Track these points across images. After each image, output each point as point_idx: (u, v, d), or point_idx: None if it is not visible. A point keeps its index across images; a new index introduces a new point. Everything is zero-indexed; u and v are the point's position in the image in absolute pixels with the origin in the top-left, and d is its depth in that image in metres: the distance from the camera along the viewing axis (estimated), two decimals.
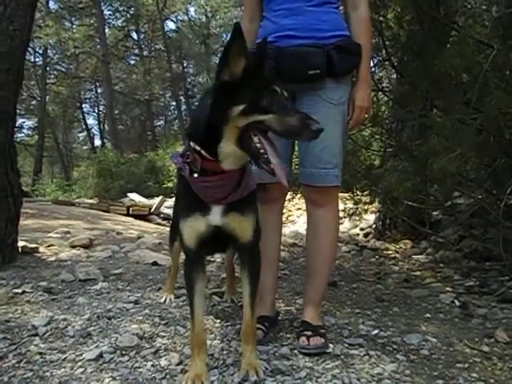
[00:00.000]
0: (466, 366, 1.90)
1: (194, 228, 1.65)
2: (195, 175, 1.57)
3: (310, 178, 2.07)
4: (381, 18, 3.38)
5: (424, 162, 2.86)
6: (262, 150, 1.50)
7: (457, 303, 2.81)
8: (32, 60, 24.42)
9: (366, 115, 2.09)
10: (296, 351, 1.96)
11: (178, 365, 1.80)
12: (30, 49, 21.85)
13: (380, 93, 3.96)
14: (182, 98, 28.33)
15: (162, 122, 32.51)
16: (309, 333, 1.97)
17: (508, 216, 3.19)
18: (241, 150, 1.53)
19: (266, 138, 1.52)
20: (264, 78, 1.56)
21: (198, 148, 1.55)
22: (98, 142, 30.14)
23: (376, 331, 2.26)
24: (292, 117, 1.46)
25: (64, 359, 1.83)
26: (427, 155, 2.75)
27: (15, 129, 3.54)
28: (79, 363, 1.80)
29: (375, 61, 3.87)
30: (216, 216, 1.64)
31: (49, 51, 25.60)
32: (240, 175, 1.63)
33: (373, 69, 3.94)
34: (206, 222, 1.64)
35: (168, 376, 1.72)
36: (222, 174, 1.57)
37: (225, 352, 1.93)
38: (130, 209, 9.64)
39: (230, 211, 1.64)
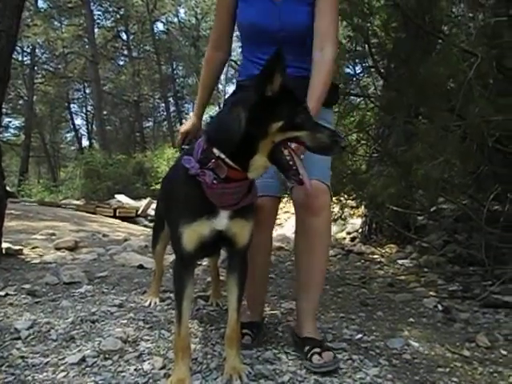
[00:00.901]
0: (447, 370, 1.92)
1: (197, 232, 1.65)
2: (214, 181, 1.59)
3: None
4: (368, 25, 3.41)
5: (408, 168, 2.90)
6: (291, 163, 1.57)
7: (440, 308, 2.85)
8: (20, 59, 24.16)
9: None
10: (280, 355, 1.97)
11: (161, 369, 1.80)
12: (17, 48, 21.60)
13: (366, 99, 4.00)
14: (171, 99, 28.26)
15: (150, 123, 32.37)
16: (318, 349, 1.89)
17: (491, 222, 3.25)
18: (271, 163, 1.58)
19: (294, 151, 1.59)
20: (295, 95, 1.59)
21: (222, 156, 1.57)
22: (85, 143, 29.96)
23: (359, 335, 2.28)
24: (323, 134, 1.55)
25: (46, 363, 1.82)
26: (411, 161, 2.79)
27: (1, 128, 3.52)
28: (61, 367, 1.79)
29: (361, 67, 3.91)
30: (222, 221, 1.66)
31: (37, 50, 25.39)
32: (250, 182, 1.67)
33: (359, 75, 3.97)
34: (211, 227, 1.65)
35: (151, 380, 1.71)
36: (241, 181, 1.60)
37: (208, 356, 1.93)
38: (117, 211, 9.61)
39: (234, 216, 1.67)
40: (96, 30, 24.10)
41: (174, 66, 29.07)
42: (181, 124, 28.06)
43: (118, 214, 9.50)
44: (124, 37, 27.01)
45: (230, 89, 20.02)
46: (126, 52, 27.41)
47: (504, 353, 2.14)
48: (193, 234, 1.65)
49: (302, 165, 1.59)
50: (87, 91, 29.19)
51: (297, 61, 1.99)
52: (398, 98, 3.15)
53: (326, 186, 1.98)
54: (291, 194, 2.07)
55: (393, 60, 3.54)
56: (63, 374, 1.74)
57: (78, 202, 11.93)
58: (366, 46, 3.53)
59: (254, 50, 2.11)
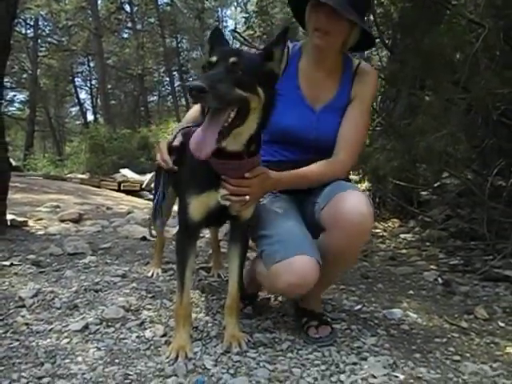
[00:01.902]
0: (444, 340, 1.95)
1: (204, 203, 1.68)
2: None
3: (336, 189, 1.80)
4: None
5: (412, 141, 2.87)
6: None
7: (440, 281, 2.87)
8: (23, 32, 23.91)
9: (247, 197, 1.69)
10: (279, 325, 2.00)
11: (162, 336, 1.84)
12: (20, 20, 21.39)
13: None
14: (175, 73, 27.97)
15: (155, 97, 32.17)
16: (315, 322, 1.90)
17: (494, 197, 3.23)
18: None
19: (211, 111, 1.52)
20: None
21: None
22: (90, 117, 29.90)
23: (359, 306, 2.31)
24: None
25: (50, 330, 1.87)
26: (415, 134, 2.76)
27: (6, 102, 3.52)
28: (65, 334, 1.84)
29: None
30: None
31: (40, 23, 25.10)
32: (253, 162, 1.68)
33: None
34: (217, 200, 1.68)
35: (152, 347, 1.75)
36: (236, 158, 1.60)
37: (209, 325, 1.96)
38: (122, 184, 9.65)
39: None
40: (99, 2, 23.72)
41: (179, 39, 28.67)
42: (186, 99, 27.83)
43: (122, 188, 9.54)
44: (128, 9, 26.56)
45: None
46: (129, 24, 26.99)
47: (502, 325, 2.16)
48: (199, 204, 1.69)
49: (206, 124, 1.50)
50: (91, 65, 28.96)
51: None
52: (403, 70, 3.10)
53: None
54: (322, 211, 1.81)
55: (398, 30, 3.46)
56: (66, 340, 1.78)
57: (82, 176, 11.98)
58: (371, 15, 3.45)
59: (279, 148, 1.99)
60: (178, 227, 1.84)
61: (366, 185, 5.19)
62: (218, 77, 1.44)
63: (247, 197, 1.67)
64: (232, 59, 1.49)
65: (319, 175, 1.87)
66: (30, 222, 3.97)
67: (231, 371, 1.59)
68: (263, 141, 1.78)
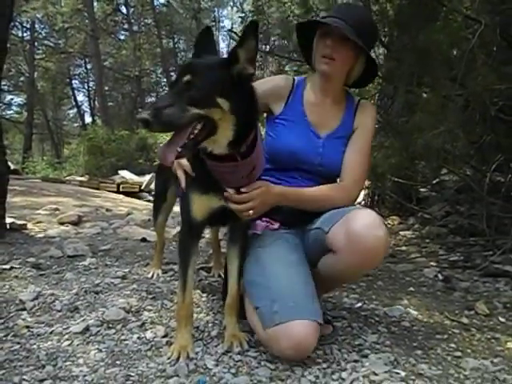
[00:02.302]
0: (445, 336, 1.95)
1: (207, 204, 1.71)
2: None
3: (342, 211, 1.77)
4: None
5: (409, 138, 2.88)
6: None
7: (440, 277, 2.87)
8: (20, 35, 23.88)
9: (251, 212, 1.72)
10: None
11: (163, 337, 1.83)
12: (17, 23, 21.36)
13: None
14: (172, 74, 27.95)
15: (153, 98, 32.07)
16: None
17: (492, 192, 3.24)
18: None
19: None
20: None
21: None
22: (88, 119, 29.85)
23: (359, 304, 2.31)
24: None
25: (51, 332, 1.86)
26: (412, 131, 2.76)
27: (3, 105, 3.51)
28: (66, 336, 1.83)
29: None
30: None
31: (36, 26, 25.04)
32: (255, 162, 1.69)
33: None
34: (219, 202, 1.71)
35: (153, 348, 1.75)
36: (228, 161, 1.61)
37: (210, 325, 1.96)
38: (120, 186, 9.64)
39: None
40: (95, 4, 23.66)
41: (176, 40, 28.65)
42: None
43: (121, 190, 9.54)
44: (124, 10, 26.52)
45: None
46: (126, 26, 26.95)
47: (502, 320, 2.17)
48: (202, 205, 1.71)
49: (168, 141, 1.53)
50: (88, 67, 28.90)
51: None
52: (400, 67, 3.10)
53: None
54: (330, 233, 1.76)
55: (395, 28, 3.46)
56: (67, 342, 1.78)
57: (81, 178, 11.95)
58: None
59: (282, 175, 1.98)
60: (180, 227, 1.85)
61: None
62: (167, 101, 1.45)
63: (251, 212, 1.71)
64: (185, 78, 1.48)
65: (326, 197, 1.89)
66: (30, 225, 3.96)
67: (232, 371, 1.59)
68: (265, 169, 1.82)
